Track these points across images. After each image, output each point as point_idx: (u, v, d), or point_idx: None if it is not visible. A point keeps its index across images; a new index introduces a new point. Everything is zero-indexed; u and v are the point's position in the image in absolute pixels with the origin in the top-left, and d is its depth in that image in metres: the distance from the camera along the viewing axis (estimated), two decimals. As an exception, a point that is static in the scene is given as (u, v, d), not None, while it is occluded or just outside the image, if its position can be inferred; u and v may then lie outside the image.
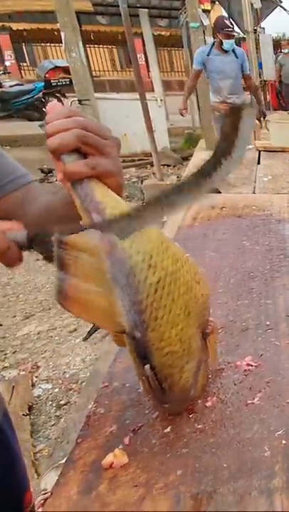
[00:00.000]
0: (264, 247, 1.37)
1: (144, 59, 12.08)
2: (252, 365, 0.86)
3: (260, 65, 9.16)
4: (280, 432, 0.72)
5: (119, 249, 0.63)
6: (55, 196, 0.83)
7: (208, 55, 5.25)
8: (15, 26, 16.36)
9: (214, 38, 5.38)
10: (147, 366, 0.66)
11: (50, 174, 6.89)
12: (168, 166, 7.31)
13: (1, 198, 0.84)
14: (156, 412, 0.77)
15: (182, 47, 6.84)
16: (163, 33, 16.75)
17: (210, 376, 0.83)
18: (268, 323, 0.99)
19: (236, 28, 9.38)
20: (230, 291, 1.12)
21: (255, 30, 9.79)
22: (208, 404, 0.78)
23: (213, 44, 5.33)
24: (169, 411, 0.76)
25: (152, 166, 5.97)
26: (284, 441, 0.70)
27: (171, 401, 0.73)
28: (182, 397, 0.74)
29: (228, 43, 5.22)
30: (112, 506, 0.61)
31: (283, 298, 1.09)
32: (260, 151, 2.98)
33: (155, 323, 0.65)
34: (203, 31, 7.05)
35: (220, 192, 2.05)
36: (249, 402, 0.78)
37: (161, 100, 7.03)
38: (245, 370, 0.85)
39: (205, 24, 7.04)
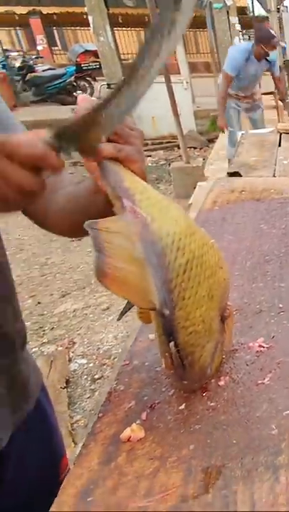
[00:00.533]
0: (280, 230, 1.36)
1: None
2: (264, 347, 0.87)
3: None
4: (287, 412, 0.72)
5: (150, 231, 0.65)
6: (78, 186, 0.84)
7: (246, 61, 4.86)
8: (45, 10, 16.19)
9: (255, 45, 4.90)
10: (172, 343, 0.69)
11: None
12: (194, 148, 7.22)
13: None
14: (172, 390, 0.78)
15: (207, 28, 6.66)
16: (189, 14, 16.27)
17: (224, 357, 0.85)
18: (280, 305, 1.00)
19: (259, 7, 9.11)
20: (246, 274, 1.12)
21: (278, 9, 9.49)
22: (221, 383, 0.79)
23: (251, 50, 4.88)
24: (186, 388, 0.77)
25: (180, 148, 5.91)
26: (291, 420, 0.71)
27: (190, 378, 0.75)
28: (200, 375, 0.76)
29: (274, 54, 4.95)
30: (129, 476, 0.63)
31: (297, 281, 1.08)
32: (281, 134, 2.91)
33: (182, 302, 0.67)
34: (227, 12, 6.87)
35: (240, 175, 2.03)
36: (259, 382, 0.79)
37: (187, 83, 6.91)
38: (257, 352, 0.86)
39: (228, 4, 6.85)
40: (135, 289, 0.67)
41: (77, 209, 0.79)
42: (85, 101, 0.67)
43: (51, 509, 0.59)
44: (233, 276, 1.11)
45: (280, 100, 5.81)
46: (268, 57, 4.90)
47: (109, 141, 0.65)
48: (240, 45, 5.44)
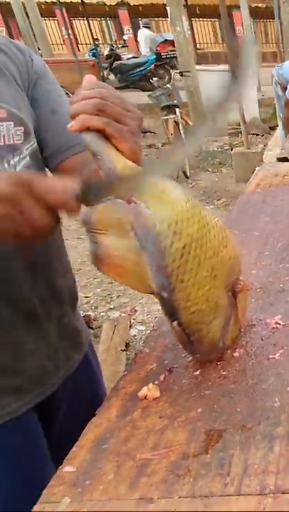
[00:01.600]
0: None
1: (242, 31, 11.20)
2: (280, 324, 0.82)
3: None
4: (292, 386, 0.69)
5: (144, 218, 0.60)
6: None
7: None
8: (132, 2, 15.77)
9: None
10: (175, 323, 0.66)
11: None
12: (256, 135, 6.86)
13: (65, 160, 0.82)
14: (190, 356, 0.76)
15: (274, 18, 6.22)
16: (259, 5, 15.28)
17: (242, 330, 0.81)
18: (301, 286, 0.93)
19: None
20: (275, 255, 1.06)
21: None
22: (236, 354, 0.76)
23: None
24: (201, 359, 0.75)
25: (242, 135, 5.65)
26: (294, 395, 0.67)
27: (200, 352, 0.72)
28: (211, 348, 0.72)
29: None
30: (141, 430, 0.63)
31: None
32: None
33: (181, 285, 0.62)
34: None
35: (287, 160, 1.91)
36: (271, 356, 0.75)
37: (253, 71, 6.52)
38: (273, 328, 0.81)
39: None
40: (132, 275, 0.63)
41: None
42: (88, 81, 0.63)
43: (72, 449, 0.60)
44: (263, 255, 1.06)
45: None
46: None
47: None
48: None
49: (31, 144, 0.78)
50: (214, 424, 0.63)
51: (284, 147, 2.23)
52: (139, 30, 12.50)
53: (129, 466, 0.58)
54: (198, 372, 0.73)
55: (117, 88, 10.33)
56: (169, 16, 6.32)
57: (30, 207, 0.53)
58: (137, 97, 9.48)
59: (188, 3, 7.45)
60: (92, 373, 0.98)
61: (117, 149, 0.61)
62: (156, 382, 0.71)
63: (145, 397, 0.68)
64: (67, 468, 0.58)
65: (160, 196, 0.61)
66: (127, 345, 2.43)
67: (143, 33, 13.11)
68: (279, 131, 5.02)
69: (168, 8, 6.26)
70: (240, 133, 6.15)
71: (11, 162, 0.75)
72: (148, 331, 2.54)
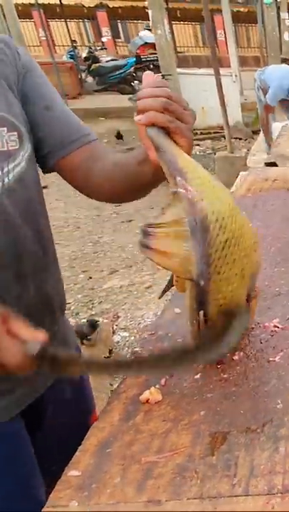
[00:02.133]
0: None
1: (224, 35, 11.45)
2: (278, 327, 0.85)
3: None
4: (294, 388, 0.71)
5: (198, 207, 0.66)
6: (126, 155, 0.83)
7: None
8: (111, 4, 15.93)
9: None
10: (202, 312, 0.70)
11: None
12: (239, 139, 6.99)
13: (67, 155, 0.83)
14: (190, 360, 0.78)
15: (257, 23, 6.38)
16: (241, 9, 15.66)
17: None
18: (299, 290, 0.97)
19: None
20: (270, 259, 1.09)
21: None
22: (236, 357, 0.78)
23: None
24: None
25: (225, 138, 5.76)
26: (296, 396, 0.70)
27: None
28: None
29: None
30: (144, 434, 0.64)
31: (317, 268, 1.05)
32: None
33: (217, 276, 0.68)
34: (278, 7, 6.52)
35: (277, 165, 1.96)
36: (271, 359, 0.77)
37: (236, 76, 6.67)
38: (271, 331, 0.84)
39: (279, 0, 6.51)
40: (176, 258, 0.68)
41: (123, 176, 0.80)
42: (148, 78, 0.69)
43: (76, 454, 0.61)
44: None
45: None
46: None
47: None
48: (279, 68, 4.41)
49: (26, 150, 0.79)
50: (218, 427, 0.65)
51: (271, 152, 2.30)
52: (142, 32, 12.51)
53: (135, 469, 0.59)
54: (198, 376, 0.75)
55: (95, 91, 10.36)
56: (150, 18, 6.40)
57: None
58: (117, 100, 9.56)
59: (169, 6, 7.59)
60: (79, 378, 0.99)
61: (177, 144, 0.68)
62: (157, 386, 0.72)
63: (147, 401, 0.70)
64: (72, 473, 0.59)
65: (212, 190, 0.68)
66: (110, 351, 2.43)
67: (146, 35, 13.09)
68: (262, 135, 5.14)
69: (149, 11, 6.34)
70: (223, 137, 6.27)
71: (5, 169, 0.75)
72: (132, 337, 2.55)
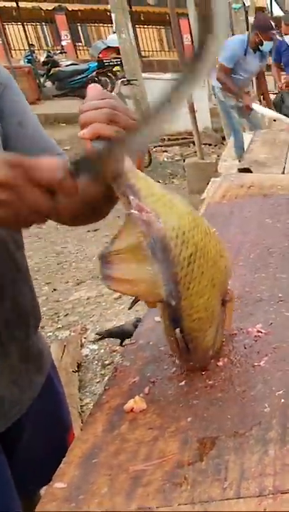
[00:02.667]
0: (285, 225, 1.37)
1: (190, 39, 11.77)
2: (262, 332, 0.89)
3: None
4: (280, 392, 0.75)
5: (155, 228, 0.67)
6: None
7: (245, 55, 4.61)
8: (70, 7, 16.14)
9: (252, 33, 4.62)
10: (178, 330, 0.72)
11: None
12: (209, 145, 7.17)
13: None
14: (174, 368, 0.81)
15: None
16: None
17: (224, 340, 0.87)
18: (280, 295, 1.02)
19: (278, 9, 8.96)
20: (249, 265, 1.14)
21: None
22: (220, 363, 0.82)
23: (247, 40, 4.62)
24: (191, 368, 0.80)
25: (195, 144, 5.90)
26: (283, 400, 0.73)
27: (194, 360, 0.78)
28: (203, 356, 0.79)
29: (268, 45, 4.63)
30: (131, 443, 0.67)
31: (297, 273, 1.10)
32: (293, 132, 2.91)
33: (187, 292, 0.70)
34: (246, 12, 6.79)
35: (251, 171, 2.04)
36: (256, 364, 0.81)
37: (204, 81, 6.87)
38: (255, 336, 0.88)
39: (247, 5, 6.78)
40: (142, 284, 0.70)
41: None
42: (94, 90, 0.70)
43: (60, 466, 0.63)
44: (237, 266, 1.14)
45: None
46: (261, 47, 4.61)
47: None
48: (235, 36, 4.99)
49: None
50: (206, 432, 0.68)
51: (244, 158, 2.38)
52: (110, 36, 12.62)
53: (122, 478, 0.61)
54: (183, 383, 0.78)
55: (54, 96, 10.40)
56: (113, 22, 6.55)
57: (25, 188, 0.55)
58: (77, 106, 9.61)
59: (133, 9, 7.79)
60: (55, 393, 1.01)
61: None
62: (141, 395, 0.75)
63: (131, 410, 0.72)
64: (57, 485, 0.60)
65: (169, 206, 0.69)
66: (78, 365, 2.44)
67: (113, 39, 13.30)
68: (232, 140, 5.30)
69: (112, 15, 6.49)
70: (192, 143, 6.42)
71: None
72: (102, 350, 2.56)
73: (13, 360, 0.86)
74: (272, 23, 4.64)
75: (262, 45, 4.61)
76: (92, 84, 0.72)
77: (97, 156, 0.62)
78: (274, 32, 4.63)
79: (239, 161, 4.49)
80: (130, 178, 0.67)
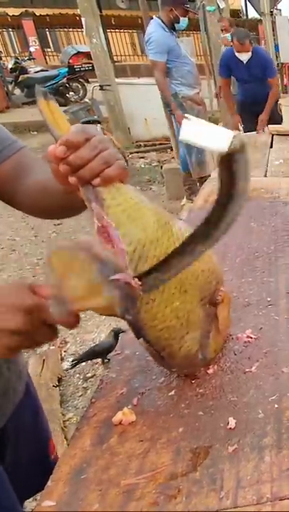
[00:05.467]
0: (270, 228, 1.40)
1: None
2: (252, 338, 0.90)
3: (276, 48, 8.98)
4: (273, 397, 0.76)
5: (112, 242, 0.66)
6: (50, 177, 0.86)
7: (168, 37, 4.20)
8: (38, 12, 16.23)
9: (161, 13, 4.29)
10: (141, 339, 0.72)
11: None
12: (186, 150, 7.25)
13: None
14: (162, 377, 0.82)
15: (200, 30, 6.71)
16: (182, 17, 16.40)
17: (226, 342, 0.88)
18: (268, 299, 1.03)
19: (253, 10, 9.16)
20: (236, 270, 1.16)
21: (271, 12, 9.58)
22: (210, 371, 0.83)
23: (160, 21, 4.24)
24: (180, 373, 0.81)
25: (172, 150, 5.95)
26: (276, 405, 0.74)
27: (175, 366, 0.78)
28: (187, 363, 0.78)
29: (184, 22, 4.27)
30: (121, 456, 0.67)
31: (285, 276, 1.12)
32: (273, 135, 2.96)
33: (147, 306, 0.69)
34: (220, 14, 6.93)
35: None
36: (247, 370, 0.82)
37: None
38: (245, 342, 0.90)
39: (221, 7, 6.91)
40: (99, 310, 0.68)
41: (47, 197, 0.82)
42: (71, 138, 0.65)
43: (47, 484, 0.63)
44: (223, 271, 1.15)
45: None
46: (176, 24, 4.26)
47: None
48: (149, 26, 4.39)
49: None
50: (199, 442, 0.69)
51: (208, 172, 2.41)
52: None
53: (114, 493, 0.61)
54: (173, 393, 0.78)
55: (24, 104, 10.35)
56: (84, 27, 6.60)
57: (38, 332, 0.62)
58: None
59: (103, 13, 7.86)
60: (33, 399, 1.02)
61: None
62: (129, 407, 0.75)
63: (120, 423, 0.72)
64: (46, 503, 0.60)
65: (133, 217, 0.68)
66: (59, 380, 2.41)
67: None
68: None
69: (83, 19, 6.53)
70: (169, 148, 6.48)
71: None
72: (83, 363, 2.54)
73: (2, 370, 0.87)
74: None
75: (178, 22, 4.26)
76: (76, 126, 0.69)
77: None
78: (188, 5, 4.32)
79: (192, 175, 4.42)
80: (96, 188, 0.67)
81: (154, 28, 4.26)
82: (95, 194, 0.67)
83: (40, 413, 1.04)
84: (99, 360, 2.49)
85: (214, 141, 0.59)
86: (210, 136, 0.61)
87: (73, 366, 2.34)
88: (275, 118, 4.22)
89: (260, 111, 4.39)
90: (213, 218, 0.63)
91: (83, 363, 2.43)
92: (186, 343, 0.76)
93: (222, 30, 6.28)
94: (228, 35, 5.92)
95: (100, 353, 2.28)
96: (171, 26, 4.26)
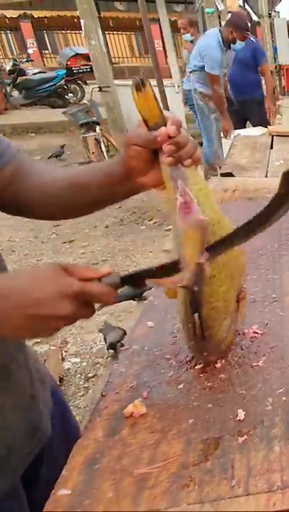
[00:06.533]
0: (273, 227, 1.41)
1: (161, 45, 11.96)
2: (258, 333, 0.92)
3: (275, 50, 9.02)
4: (281, 390, 0.78)
5: (192, 212, 0.74)
6: (82, 171, 0.86)
7: (221, 52, 4.64)
8: (36, 14, 16.25)
9: (223, 29, 4.72)
10: (196, 314, 0.77)
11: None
12: (186, 150, 7.27)
13: None
14: (171, 371, 0.84)
15: (198, 32, 6.74)
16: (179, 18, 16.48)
17: (234, 338, 0.90)
18: (274, 296, 1.05)
19: (251, 13, 9.22)
20: (240, 267, 1.18)
21: (269, 14, 9.63)
22: (218, 365, 0.84)
23: (220, 35, 4.65)
24: (204, 359, 0.84)
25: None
26: (284, 398, 0.76)
27: (208, 350, 0.82)
28: (216, 348, 0.83)
29: (239, 45, 4.73)
30: (133, 447, 0.68)
31: (289, 273, 1.14)
32: (273, 136, 2.98)
33: (209, 280, 0.76)
34: (219, 16, 6.96)
35: (233, 176, 2.09)
36: (254, 364, 0.84)
37: (178, 86, 6.97)
38: (251, 337, 0.91)
39: (220, 9, 6.93)
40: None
41: (77, 192, 0.83)
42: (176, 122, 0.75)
43: (62, 473, 0.64)
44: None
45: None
46: (232, 45, 4.69)
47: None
48: (208, 36, 4.85)
49: None
50: (209, 433, 0.70)
51: (226, 162, 2.44)
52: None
53: (127, 482, 0.63)
54: (182, 386, 0.80)
55: (22, 105, 10.34)
56: (83, 28, 6.61)
57: (81, 313, 0.66)
58: (48, 115, 9.66)
59: (101, 15, 7.89)
60: (60, 400, 0.99)
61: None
62: (139, 399, 0.77)
63: (131, 415, 0.74)
64: (61, 492, 0.61)
65: (207, 198, 0.78)
66: (60, 379, 2.42)
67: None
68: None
69: (82, 21, 6.55)
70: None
71: None
72: (84, 363, 2.55)
73: (26, 387, 0.82)
74: (249, 24, 4.76)
75: (234, 43, 4.67)
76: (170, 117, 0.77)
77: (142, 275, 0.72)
78: (248, 33, 4.74)
79: (214, 166, 4.59)
80: (182, 167, 0.76)
81: (212, 41, 4.64)
82: (182, 173, 0.75)
83: (70, 416, 1.02)
84: (100, 360, 2.50)
85: None
86: None
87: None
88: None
89: None
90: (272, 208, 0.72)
91: (84, 363, 2.44)
92: (222, 328, 0.82)
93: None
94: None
95: (130, 296, 2.16)
96: (227, 44, 4.66)
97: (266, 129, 3.49)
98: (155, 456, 0.67)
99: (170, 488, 0.62)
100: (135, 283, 0.73)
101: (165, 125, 0.74)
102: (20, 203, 0.85)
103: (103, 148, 5.94)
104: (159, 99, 0.78)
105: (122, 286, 0.70)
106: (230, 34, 4.63)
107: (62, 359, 2.61)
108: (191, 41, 5.34)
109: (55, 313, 0.63)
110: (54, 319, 0.63)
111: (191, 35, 5.42)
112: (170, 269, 0.72)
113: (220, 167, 3.90)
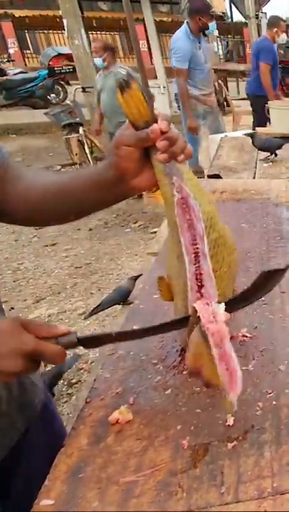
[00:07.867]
0: (261, 229, 1.43)
1: (146, 45, 12.03)
2: (247, 336, 0.92)
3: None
4: (271, 394, 0.78)
5: (190, 207, 0.76)
6: (69, 177, 0.86)
7: (191, 46, 4.62)
8: (17, 13, 16.24)
9: (189, 21, 4.67)
10: None
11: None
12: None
13: None
14: (157, 377, 0.83)
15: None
16: (164, 18, 16.58)
17: None
18: (263, 298, 1.05)
19: (238, 14, 9.32)
20: (228, 270, 1.18)
21: (256, 15, 9.75)
22: (206, 369, 0.84)
23: (188, 28, 4.62)
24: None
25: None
26: (274, 402, 0.76)
27: None
28: None
29: (213, 25, 4.71)
30: (119, 454, 0.68)
31: (278, 276, 1.14)
32: (260, 138, 3.01)
33: (215, 273, 0.78)
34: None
35: (221, 177, 2.10)
36: (244, 368, 0.84)
37: (164, 87, 7.02)
38: (241, 341, 0.91)
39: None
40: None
41: (66, 197, 0.82)
42: (166, 120, 0.75)
43: (44, 483, 0.63)
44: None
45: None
46: (206, 31, 4.71)
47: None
48: (176, 34, 4.81)
49: None
50: (197, 439, 0.70)
51: (213, 164, 2.45)
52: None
53: (113, 491, 0.62)
54: (169, 391, 0.80)
55: (3, 106, 10.34)
56: (66, 28, 6.63)
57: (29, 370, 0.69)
58: (29, 116, 9.65)
59: (84, 15, 7.91)
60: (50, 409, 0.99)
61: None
62: (125, 406, 0.76)
63: (117, 422, 0.73)
64: (44, 502, 0.60)
65: (202, 192, 0.79)
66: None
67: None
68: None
69: (64, 21, 6.57)
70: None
71: None
72: (69, 370, 2.52)
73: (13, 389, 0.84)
74: (209, 2, 4.72)
75: (207, 28, 4.67)
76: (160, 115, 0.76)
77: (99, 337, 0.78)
78: (214, 11, 4.75)
79: (201, 168, 4.62)
80: (176, 163, 0.77)
81: (179, 33, 4.68)
82: (176, 169, 0.77)
83: (62, 430, 1.00)
84: (84, 365, 2.48)
85: None
86: None
87: (91, 315, 2.30)
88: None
89: None
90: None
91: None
92: None
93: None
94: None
95: (116, 300, 2.16)
96: (202, 32, 4.69)
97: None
98: (142, 464, 0.66)
99: (158, 496, 0.61)
100: (92, 344, 0.76)
101: (156, 122, 0.74)
102: (4, 207, 0.84)
103: (86, 150, 5.95)
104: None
105: (78, 345, 0.73)
106: (199, 21, 4.61)
107: (45, 365, 2.59)
108: (104, 67, 5.14)
109: (8, 370, 0.66)
110: (3, 374, 0.67)
111: (104, 61, 5.08)
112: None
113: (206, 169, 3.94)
